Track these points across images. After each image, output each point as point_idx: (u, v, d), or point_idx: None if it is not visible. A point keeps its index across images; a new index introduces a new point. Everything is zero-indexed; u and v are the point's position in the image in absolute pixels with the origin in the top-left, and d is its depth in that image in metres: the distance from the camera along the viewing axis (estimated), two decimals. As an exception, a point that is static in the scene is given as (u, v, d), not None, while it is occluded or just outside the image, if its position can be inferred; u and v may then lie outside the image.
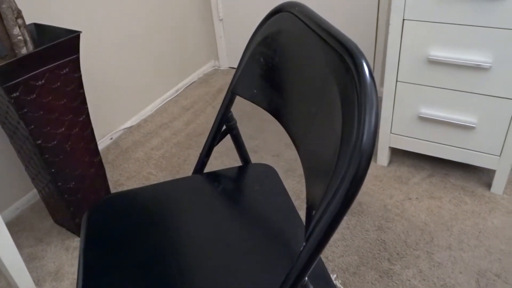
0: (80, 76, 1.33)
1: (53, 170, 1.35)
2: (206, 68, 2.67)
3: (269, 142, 1.95)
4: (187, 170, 1.83)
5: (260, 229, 0.86)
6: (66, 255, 1.47)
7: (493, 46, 1.33)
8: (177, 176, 1.79)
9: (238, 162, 1.07)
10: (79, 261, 0.82)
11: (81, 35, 1.77)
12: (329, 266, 1.34)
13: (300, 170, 1.76)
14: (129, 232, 0.87)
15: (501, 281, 1.26)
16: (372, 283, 1.29)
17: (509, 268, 1.30)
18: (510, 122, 1.41)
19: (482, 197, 1.55)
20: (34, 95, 1.21)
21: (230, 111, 0.99)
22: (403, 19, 1.42)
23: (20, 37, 1.21)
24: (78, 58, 1.30)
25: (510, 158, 1.47)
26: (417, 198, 1.58)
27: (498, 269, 1.30)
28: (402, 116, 1.60)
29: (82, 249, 0.84)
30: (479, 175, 1.65)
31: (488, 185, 1.60)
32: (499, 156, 1.48)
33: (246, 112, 2.18)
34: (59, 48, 1.23)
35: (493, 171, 1.58)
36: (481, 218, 1.47)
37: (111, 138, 2.05)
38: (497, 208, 1.50)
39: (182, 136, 2.06)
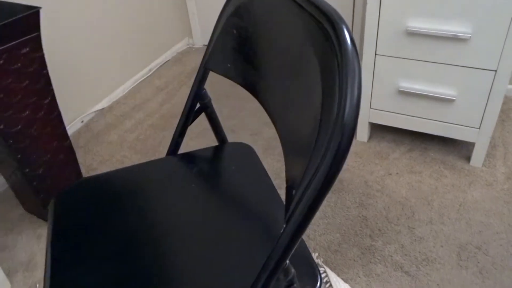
0: (43, 55, 1.24)
1: (19, 156, 1.27)
2: (180, 46, 2.58)
3: (247, 121, 1.90)
4: (163, 152, 1.77)
5: (238, 211, 0.82)
6: (38, 244, 1.41)
7: (472, 16, 1.30)
8: (153, 159, 1.73)
9: (216, 142, 1.02)
10: (46, 252, 0.77)
11: (44, 12, 1.67)
12: (310, 245, 1.32)
13: (279, 149, 1.72)
14: (100, 219, 0.82)
15: (481, 253, 1.26)
16: (354, 260, 1.27)
17: (489, 240, 1.30)
18: (489, 94, 1.39)
19: (462, 171, 1.55)
20: (-7, 77, 1.13)
21: (204, 88, 0.93)
22: (381, -10, 1.37)
23: (-27, 14, 1.12)
24: (39, 36, 1.21)
25: (489, 131, 1.46)
26: (397, 173, 1.56)
27: (479, 241, 1.30)
28: (382, 91, 1.57)
29: (49, 240, 0.79)
30: (459, 149, 1.65)
31: (468, 158, 1.59)
32: (479, 128, 1.47)
33: (223, 91, 2.12)
34: (17, 25, 1.14)
35: (473, 144, 1.58)
36: (461, 192, 1.47)
37: (82, 121, 1.97)
38: (476, 181, 1.50)
39: (157, 117, 1.99)
